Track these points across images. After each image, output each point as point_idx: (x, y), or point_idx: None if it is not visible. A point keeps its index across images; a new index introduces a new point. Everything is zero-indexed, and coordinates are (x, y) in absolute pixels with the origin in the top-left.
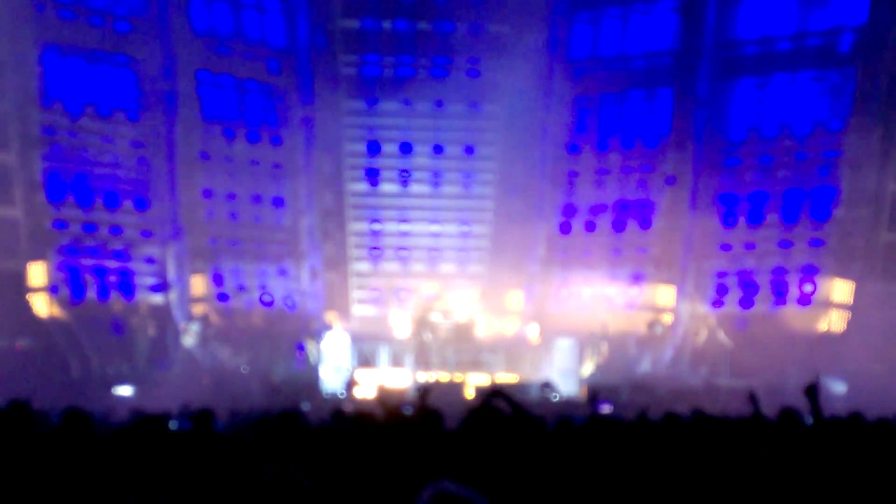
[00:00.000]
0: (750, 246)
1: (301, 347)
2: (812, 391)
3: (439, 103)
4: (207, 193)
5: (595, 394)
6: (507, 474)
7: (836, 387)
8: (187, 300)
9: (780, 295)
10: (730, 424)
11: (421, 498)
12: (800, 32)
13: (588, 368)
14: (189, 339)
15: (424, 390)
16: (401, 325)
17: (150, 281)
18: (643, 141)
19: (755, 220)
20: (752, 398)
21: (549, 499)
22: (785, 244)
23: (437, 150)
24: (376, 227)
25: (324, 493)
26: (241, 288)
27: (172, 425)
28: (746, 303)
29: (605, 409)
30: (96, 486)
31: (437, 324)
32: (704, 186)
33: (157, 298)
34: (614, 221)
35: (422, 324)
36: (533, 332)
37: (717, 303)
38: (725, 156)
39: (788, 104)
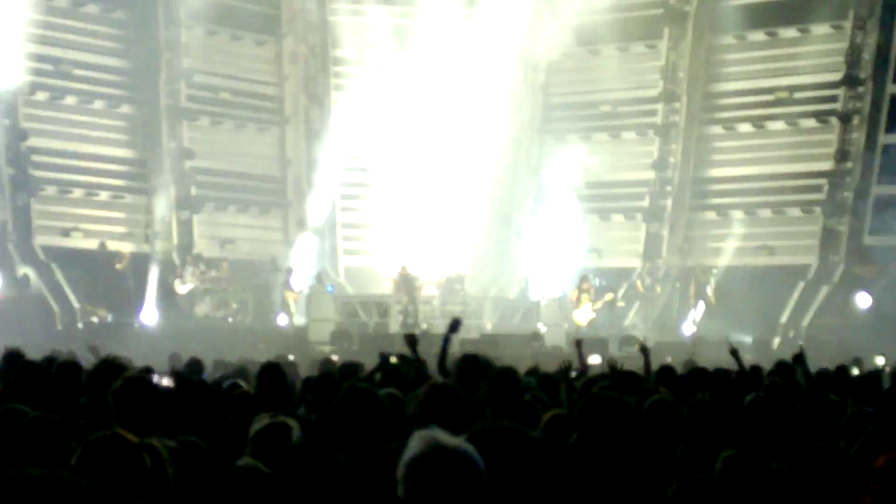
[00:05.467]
0: None
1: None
2: (800, 357)
3: None
4: (192, 143)
5: (581, 343)
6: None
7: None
8: (174, 250)
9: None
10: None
11: (409, 447)
12: None
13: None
14: (177, 289)
15: (412, 340)
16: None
17: (138, 231)
18: None
19: None
20: (734, 353)
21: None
22: None
23: None
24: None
25: (313, 444)
26: (227, 238)
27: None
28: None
29: (594, 360)
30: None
31: (420, 282)
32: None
33: (145, 248)
34: None
35: (404, 283)
36: (523, 285)
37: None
38: None
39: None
